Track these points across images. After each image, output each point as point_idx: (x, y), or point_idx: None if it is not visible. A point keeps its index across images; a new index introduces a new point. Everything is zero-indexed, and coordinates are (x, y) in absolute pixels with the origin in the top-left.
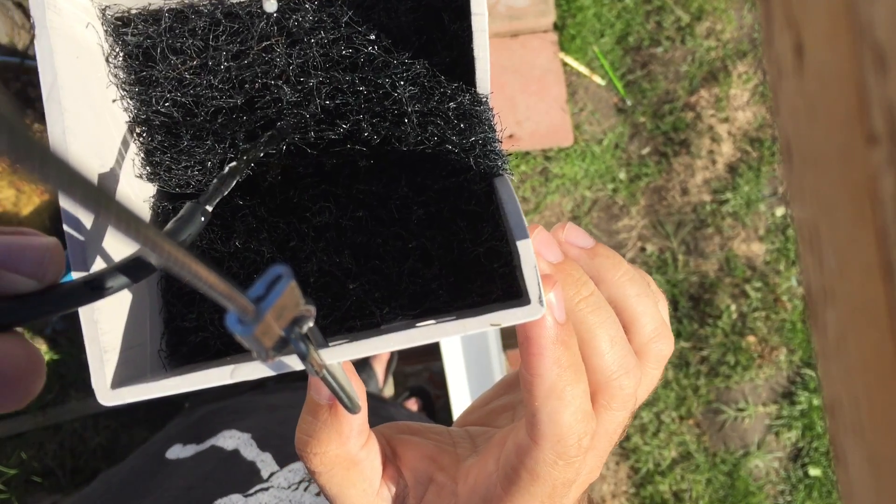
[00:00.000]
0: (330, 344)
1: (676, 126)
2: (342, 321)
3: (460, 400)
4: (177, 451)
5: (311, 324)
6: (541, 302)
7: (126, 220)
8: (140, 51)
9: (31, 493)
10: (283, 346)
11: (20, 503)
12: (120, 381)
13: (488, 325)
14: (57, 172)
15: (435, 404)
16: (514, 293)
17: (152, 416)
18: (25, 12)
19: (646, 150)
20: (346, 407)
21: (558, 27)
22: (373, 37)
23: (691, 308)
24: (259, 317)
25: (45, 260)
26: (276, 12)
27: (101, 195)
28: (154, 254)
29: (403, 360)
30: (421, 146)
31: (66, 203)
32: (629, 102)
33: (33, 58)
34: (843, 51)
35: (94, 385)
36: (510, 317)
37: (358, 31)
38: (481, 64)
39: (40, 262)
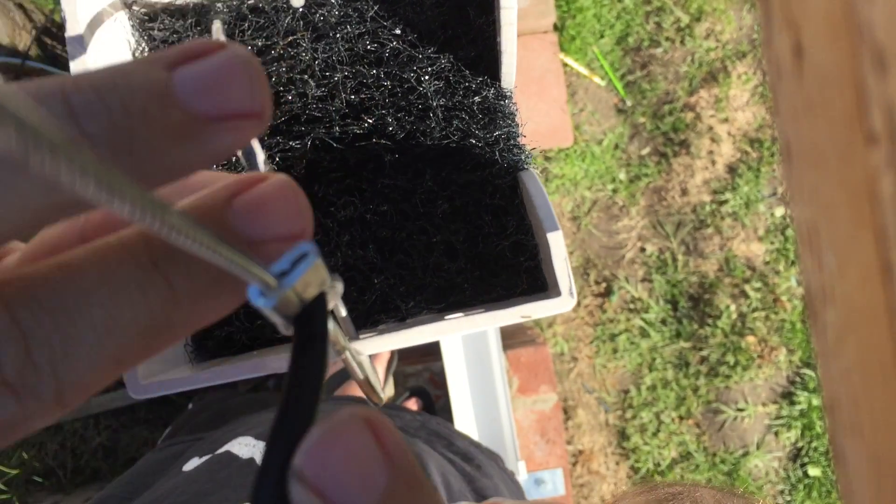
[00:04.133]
0: (360, 336)
1: (676, 126)
2: (367, 315)
3: (460, 400)
4: (194, 464)
5: (338, 301)
6: (571, 294)
7: (143, 205)
8: (166, 46)
9: (32, 493)
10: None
11: (21, 503)
12: (147, 375)
13: (519, 317)
14: (67, 162)
15: (435, 404)
16: (539, 286)
17: (153, 416)
18: (27, 13)
19: (646, 151)
20: (366, 395)
21: (558, 28)
22: (398, 31)
23: (691, 308)
24: (281, 290)
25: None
26: (301, 7)
27: (114, 179)
28: (173, 234)
29: (403, 360)
30: (446, 140)
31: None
32: (629, 103)
33: (35, 58)
34: (842, 51)
35: (125, 379)
36: (542, 309)
37: (383, 26)
38: (507, 58)
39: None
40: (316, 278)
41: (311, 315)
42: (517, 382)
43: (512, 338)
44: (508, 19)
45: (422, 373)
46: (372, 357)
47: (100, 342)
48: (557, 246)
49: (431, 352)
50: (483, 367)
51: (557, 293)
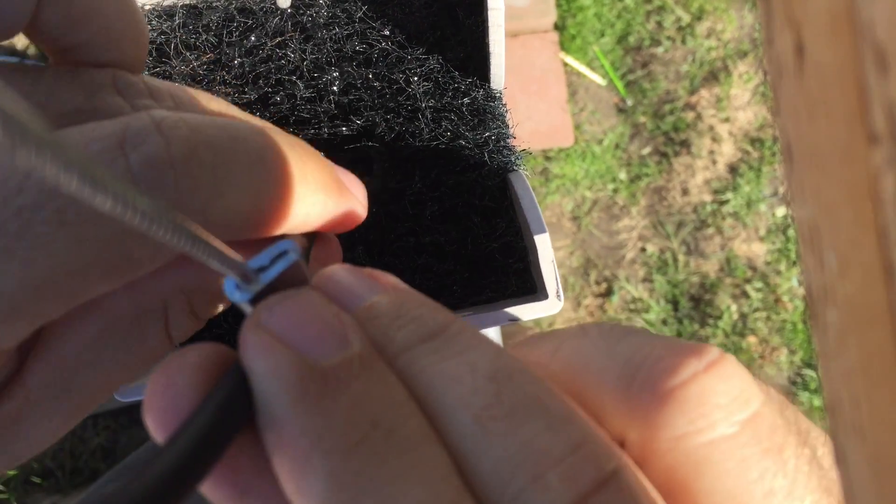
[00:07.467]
0: None
1: (677, 126)
2: None
3: None
4: None
5: None
6: (559, 297)
7: (125, 197)
8: (154, 47)
9: (31, 493)
10: None
11: None
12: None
13: (507, 320)
14: (53, 156)
15: None
16: (528, 289)
17: None
18: None
19: (646, 151)
20: None
21: (559, 27)
22: (387, 32)
23: (692, 308)
24: (257, 286)
25: None
26: (289, 8)
27: (97, 173)
28: (154, 225)
29: None
30: (435, 142)
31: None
32: (629, 102)
33: (32, 57)
34: (843, 50)
35: None
36: (528, 311)
37: (372, 27)
38: (496, 59)
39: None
40: (295, 277)
41: None
42: None
43: (512, 338)
44: (496, 21)
45: None
46: None
47: None
48: (544, 248)
49: None
50: None
51: (545, 296)
